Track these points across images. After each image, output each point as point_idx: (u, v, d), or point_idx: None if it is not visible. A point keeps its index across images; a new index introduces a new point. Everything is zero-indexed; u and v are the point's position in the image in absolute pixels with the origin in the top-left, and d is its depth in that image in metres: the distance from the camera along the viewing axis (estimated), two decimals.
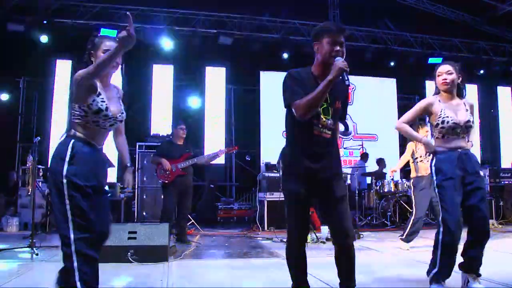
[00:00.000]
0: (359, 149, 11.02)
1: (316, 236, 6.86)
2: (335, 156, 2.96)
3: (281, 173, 3.02)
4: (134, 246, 4.82)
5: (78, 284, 2.51)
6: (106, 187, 2.92)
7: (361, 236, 7.46)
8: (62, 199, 2.54)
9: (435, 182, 3.43)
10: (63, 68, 10.70)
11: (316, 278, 3.92)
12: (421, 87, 12.46)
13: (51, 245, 5.98)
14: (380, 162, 10.11)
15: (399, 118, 3.75)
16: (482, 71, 12.63)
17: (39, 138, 6.20)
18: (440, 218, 3.30)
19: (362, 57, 11.76)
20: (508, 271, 4.33)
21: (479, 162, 3.56)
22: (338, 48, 2.78)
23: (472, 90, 13.26)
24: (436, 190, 3.40)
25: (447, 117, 3.43)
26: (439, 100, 3.55)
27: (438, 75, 3.55)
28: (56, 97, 10.59)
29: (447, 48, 12.27)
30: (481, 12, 12.11)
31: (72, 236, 2.52)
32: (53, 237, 7.02)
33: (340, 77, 2.69)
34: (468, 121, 3.45)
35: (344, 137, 11.69)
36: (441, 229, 3.27)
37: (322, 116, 2.84)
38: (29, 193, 6.35)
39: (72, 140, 2.69)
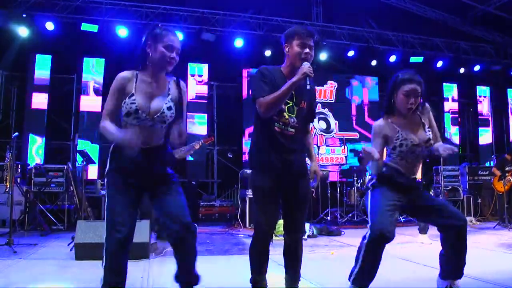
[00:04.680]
0: (341, 147, 11.12)
1: None
2: (298, 155, 3.04)
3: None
4: None
5: (101, 283, 2.54)
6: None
7: (342, 233, 7.53)
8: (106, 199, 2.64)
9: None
10: (42, 63, 10.54)
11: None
12: None
13: (30, 243, 5.90)
14: (361, 160, 10.17)
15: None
16: (462, 71, 12.80)
17: (18, 134, 6.10)
18: None
19: (344, 55, 11.83)
20: (485, 267, 4.41)
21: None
22: (307, 50, 2.89)
23: (452, 89, 13.47)
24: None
25: (405, 139, 3.14)
26: (391, 122, 3.21)
27: (405, 95, 3.09)
28: (35, 92, 10.43)
29: (428, 48, 12.41)
30: (461, 13, 12.27)
31: (105, 234, 2.55)
32: (32, 235, 6.93)
33: (306, 82, 2.80)
34: (429, 139, 3.17)
35: (326, 134, 11.76)
36: None
37: (285, 114, 2.93)
38: (7, 190, 6.23)
39: (113, 145, 2.65)
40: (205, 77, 11.59)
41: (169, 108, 2.64)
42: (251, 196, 8.27)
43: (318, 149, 10.67)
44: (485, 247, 5.82)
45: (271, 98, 2.81)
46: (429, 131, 3.21)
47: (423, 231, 6.37)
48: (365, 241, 2.97)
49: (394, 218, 3.03)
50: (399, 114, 3.19)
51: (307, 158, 3.14)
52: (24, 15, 9.77)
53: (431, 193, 10.29)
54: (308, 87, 2.83)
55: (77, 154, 7.58)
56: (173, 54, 2.64)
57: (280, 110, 2.91)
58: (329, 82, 12.13)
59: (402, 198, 3.10)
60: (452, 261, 3.13)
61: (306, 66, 2.81)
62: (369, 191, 3.20)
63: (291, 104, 2.95)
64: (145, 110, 2.59)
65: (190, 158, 10.20)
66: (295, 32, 2.94)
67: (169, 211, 2.61)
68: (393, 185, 3.11)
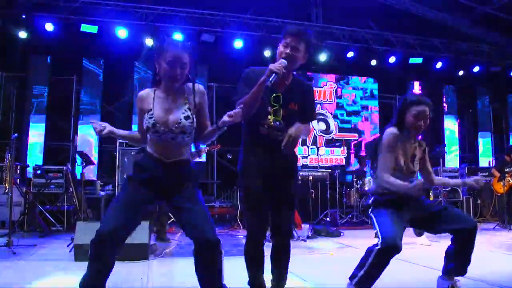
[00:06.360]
0: (341, 148, 11.12)
1: (297, 234, 6.88)
2: (287, 158, 2.92)
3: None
4: None
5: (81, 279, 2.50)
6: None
7: (342, 234, 7.53)
8: None
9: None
10: (42, 64, 10.54)
11: (295, 275, 3.94)
12: (402, 86, 12.62)
13: (29, 244, 5.90)
14: (362, 160, 10.17)
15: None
16: (461, 72, 12.79)
17: (17, 135, 6.10)
18: None
19: (344, 56, 11.83)
20: (485, 268, 4.41)
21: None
22: (288, 50, 2.81)
23: (451, 90, 13.47)
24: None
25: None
26: (400, 135, 3.17)
27: (415, 117, 3.10)
28: (34, 93, 10.43)
29: (428, 48, 12.40)
30: (461, 13, 12.26)
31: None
32: (31, 236, 6.92)
33: (268, 78, 2.67)
34: (414, 172, 3.18)
35: (325, 135, 11.75)
36: None
37: (269, 117, 2.82)
38: (6, 191, 6.23)
39: (136, 159, 2.78)
40: (204, 78, 11.59)
41: (186, 118, 2.60)
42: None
43: (318, 150, 10.68)
44: (485, 248, 5.82)
45: (243, 101, 2.74)
46: (417, 163, 3.22)
47: (419, 234, 6.34)
48: (377, 247, 2.94)
49: (402, 232, 3.02)
50: (402, 135, 3.17)
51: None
52: (24, 16, 9.77)
53: (430, 193, 10.30)
54: (267, 82, 2.65)
55: (77, 155, 7.57)
56: (177, 70, 2.57)
57: (265, 113, 2.81)
58: (328, 83, 12.13)
59: (405, 214, 3.11)
60: (460, 257, 3.17)
61: (276, 64, 2.72)
62: (371, 213, 3.17)
63: (277, 107, 2.84)
64: (162, 123, 2.58)
65: None
66: (285, 32, 2.89)
67: (191, 228, 2.60)
68: (391, 205, 3.10)
